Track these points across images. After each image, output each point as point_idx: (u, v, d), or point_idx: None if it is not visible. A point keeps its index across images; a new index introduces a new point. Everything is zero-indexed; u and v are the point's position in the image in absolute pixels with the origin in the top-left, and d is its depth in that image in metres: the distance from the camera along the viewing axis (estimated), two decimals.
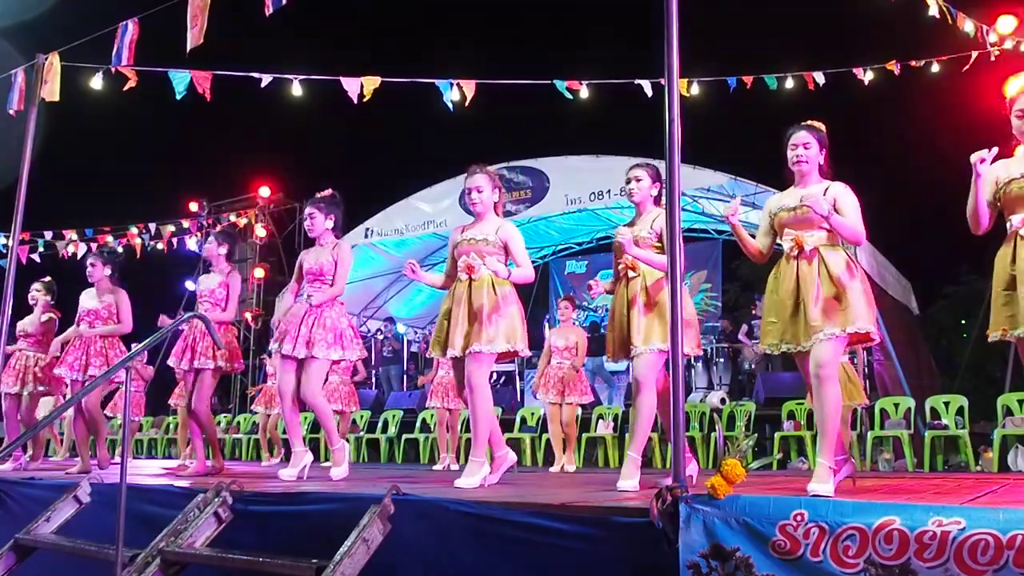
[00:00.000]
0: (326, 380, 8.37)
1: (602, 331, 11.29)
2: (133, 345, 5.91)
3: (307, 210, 4.81)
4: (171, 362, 5.42)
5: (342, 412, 8.32)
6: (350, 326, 4.75)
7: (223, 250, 5.49)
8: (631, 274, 3.90)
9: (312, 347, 4.53)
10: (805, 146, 3.38)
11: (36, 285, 6.47)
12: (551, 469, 7.04)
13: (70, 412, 6.75)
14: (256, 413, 9.26)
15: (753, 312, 10.35)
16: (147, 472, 5.76)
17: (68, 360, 5.68)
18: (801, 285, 3.26)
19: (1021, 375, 9.28)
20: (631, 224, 4.06)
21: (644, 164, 4.05)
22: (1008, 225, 3.18)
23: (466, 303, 3.98)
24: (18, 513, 4.16)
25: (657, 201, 4.02)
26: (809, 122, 3.47)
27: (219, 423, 11.59)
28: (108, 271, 5.92)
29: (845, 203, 3.29)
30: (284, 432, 8.78)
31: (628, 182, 4.05)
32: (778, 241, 3.55)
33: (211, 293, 5.37)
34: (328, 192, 4.87)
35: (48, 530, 3.69)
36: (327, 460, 6.65)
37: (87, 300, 5.88)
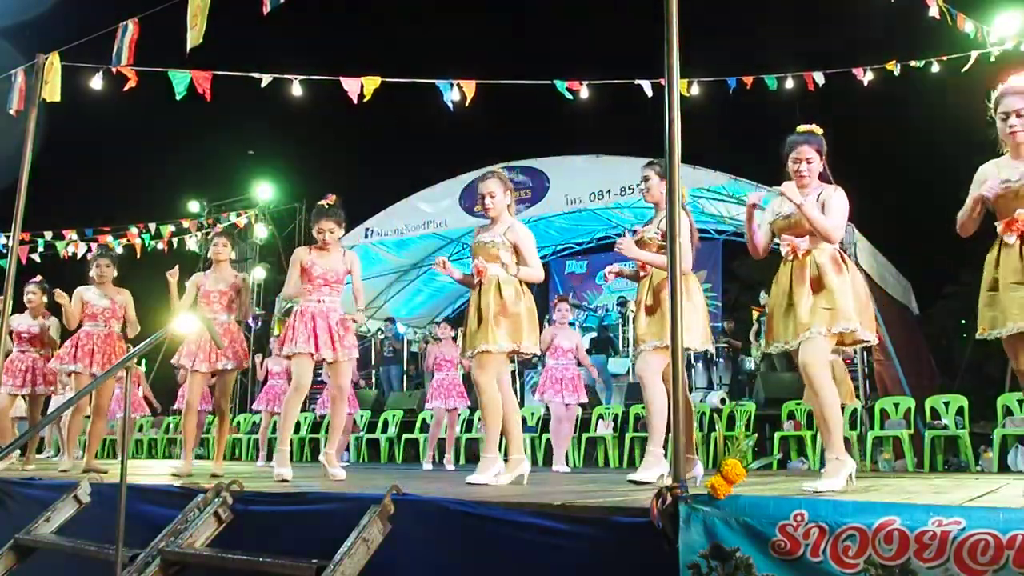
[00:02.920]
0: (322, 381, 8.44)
1: (609, 333, 11.30)
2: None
3: (326, 224, 4.75)
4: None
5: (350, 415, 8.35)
6: None
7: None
8: (641, 273, 4.06)
9: (345, 349, 4.74)
10: (808, 161, 3.46)
11: (33, 288, 6.44)
12: (555, 468, 7.04)
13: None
14: (257, 413, 9.25)
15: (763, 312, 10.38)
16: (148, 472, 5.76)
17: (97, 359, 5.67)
18: (793, 286, 3.38)
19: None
20: (649, 223, 4.17)
21: (651, 163, 4.12)
22: (997, 227, 3.22)
23: (475, 305, 4.09)
24: (18, 513, 4.16)
25: None
26: (809, 128, 3.51)
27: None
28: (115, 273, 5.96)
29: (831, 204, 3.40)
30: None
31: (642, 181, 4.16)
32: (775, 242, 3.64)
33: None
34: (333, 198, 4.87)
35: (48, 530, 3.69)
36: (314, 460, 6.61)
37: (99, 299, 5.85)
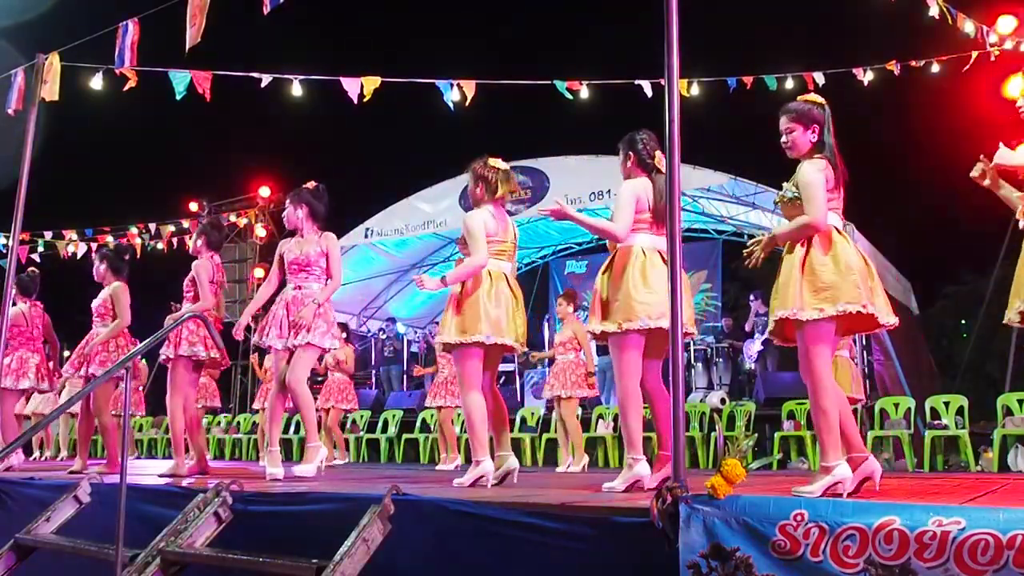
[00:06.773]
0: (326, 376, 8.41)
1: None
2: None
3: (286, 205, 4.92)
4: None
5: (336, 409, 8.35)
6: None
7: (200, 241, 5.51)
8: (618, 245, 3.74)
9: (298, 335, 4.55)
10: (787, 131, 3.29)
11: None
12: (558, 469, 7.03)
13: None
14: (257, 412, 9.24)
15: (753, 309, 10.36)
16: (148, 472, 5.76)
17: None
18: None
19: (1021, 375, 9.29)
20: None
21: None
22: None
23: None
24: (18, 513, 4.16)
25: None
26: (791, 104, 3.30)
27: (219, 423, 11.58)
28: (104, 266, 5.81)
29: (799, 182, 3.15)
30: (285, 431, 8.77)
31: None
32: None
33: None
34: (305, 185, 4.88)
35: (48, 530, 3.69)
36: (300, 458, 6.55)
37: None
